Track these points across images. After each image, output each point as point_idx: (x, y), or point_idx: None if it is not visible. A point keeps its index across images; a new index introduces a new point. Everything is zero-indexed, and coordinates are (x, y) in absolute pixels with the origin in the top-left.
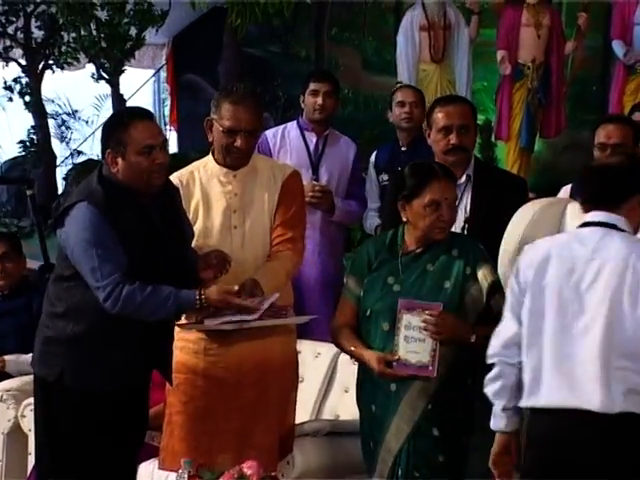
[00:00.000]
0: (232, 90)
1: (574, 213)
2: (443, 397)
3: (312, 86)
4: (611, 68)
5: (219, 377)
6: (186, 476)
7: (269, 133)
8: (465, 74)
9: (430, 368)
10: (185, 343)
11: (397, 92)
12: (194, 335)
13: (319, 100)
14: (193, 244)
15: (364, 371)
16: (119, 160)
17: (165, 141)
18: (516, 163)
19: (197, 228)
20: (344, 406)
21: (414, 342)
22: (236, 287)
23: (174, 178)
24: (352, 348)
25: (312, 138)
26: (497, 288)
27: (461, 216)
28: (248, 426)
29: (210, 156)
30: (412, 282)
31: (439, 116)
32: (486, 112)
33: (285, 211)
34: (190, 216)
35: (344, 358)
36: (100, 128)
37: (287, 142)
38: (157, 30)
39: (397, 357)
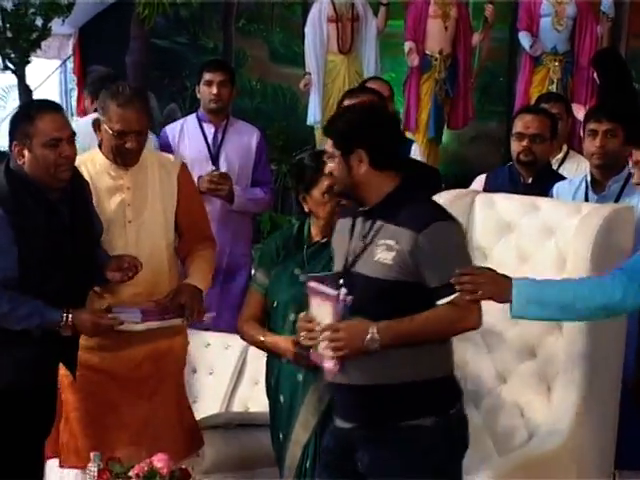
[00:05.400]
0: (118, 91)
1: (483, 204)
2: None
3: (206, 76)
4: (518, 59)
5: (115, 371)
6: (95, 470)
7: (168, 128)
8: (373, 65)
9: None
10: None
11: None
12: None
13: (214, 90)
14: None
15: (273, 362)
16: (25, 152)
17: (73, 134)
18: (424, 154)
19: None
20: (254, 398)
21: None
22: (109, 315)
23: None
24: (262, 338)
25: (210, 129)
26: None
27: None
28: (149, 418)
29: (97, 150)
30: (317, 272)
31: None
32: (394, 103)
33: (190, 209)
34: None
35: (254, 350)
36: (6, 119)
37: (185, 135)
38: (63, 20)
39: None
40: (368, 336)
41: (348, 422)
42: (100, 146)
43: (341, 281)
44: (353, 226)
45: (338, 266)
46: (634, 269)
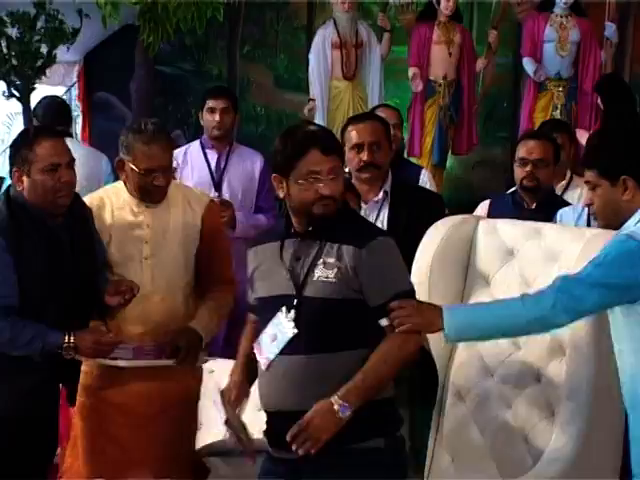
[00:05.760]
0: (141, 129)
1: (486, 230)
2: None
3: (209, 103)
4: (521, 85)
5: (123, 405)
6: None
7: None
8: (377, 91)
9: None
10: (90, 368)
11: None
12: (99, 361)
13: (216, 117)
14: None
15: None
16: (24, 178)
17: (72, 160)
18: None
19: (107, 258)
20: (257, 425)
21: None
22: (111, 334)
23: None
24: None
25: (213, 155)
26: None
27: None
28: (155, 455)
29: (121, 184)
30: None
31: (351, 134)
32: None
33: (212, 249)
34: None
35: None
36: None
37: (189, 161)
38: (68, 48)
39: None
40: (336, 409)
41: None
42: (125, 182)
43: (294, 302)
44: (281, 250)
45: (267, 291)
46: (566, 281)
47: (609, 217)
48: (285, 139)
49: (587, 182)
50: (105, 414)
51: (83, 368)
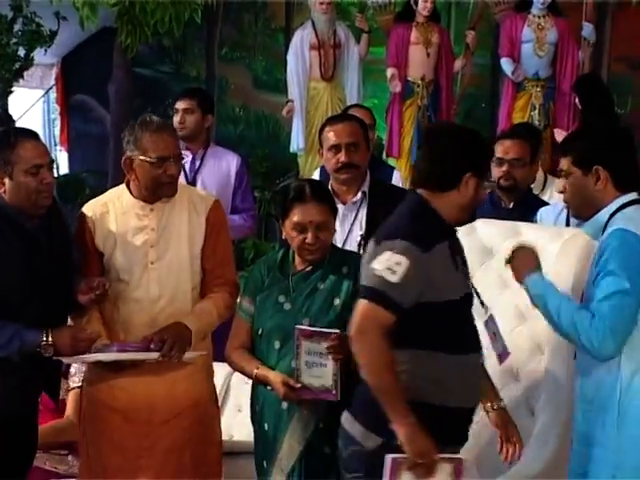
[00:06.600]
0: (147, 121)
1: (464, 230)
2: (334, 415)
3: (175, 105)
4: (500, 85)
5: (128, 412)
6: None
7: None
8: (355, 92)
9: (334, 392)
10: (92, 375)
11: None
12: (101, 368)
13: (178, 117)
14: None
15: (258, 389)
16: (6, 180)
17: (52, 161)
18: (407, 180)
19: (113, 264)
20: (238, 426)
21: (316, 367)
22: (88, 331)
23: (87, 209)
24: (256, 370)
25: (187, 156)
26: None
27: (357, 232)
28: (165, 462)
29: (124, 187)
30: (302, 300)
31: (329, 135)
32: (377, 129)
33: (216, 249)
34: (102, 248)
35: (237, 378)
36: None
37: None
38: (46, 50)
39: (298, 385)
40: None
41: (458, 446)
42: (128, 184)
43: (475, 301)
44: (452, 250)
45: (455, 293)
46: (612, 319)
47: (579, 206)
48: (481, 141)
49: (561, 170)
50: (109, 421)
51: (87, 375)
